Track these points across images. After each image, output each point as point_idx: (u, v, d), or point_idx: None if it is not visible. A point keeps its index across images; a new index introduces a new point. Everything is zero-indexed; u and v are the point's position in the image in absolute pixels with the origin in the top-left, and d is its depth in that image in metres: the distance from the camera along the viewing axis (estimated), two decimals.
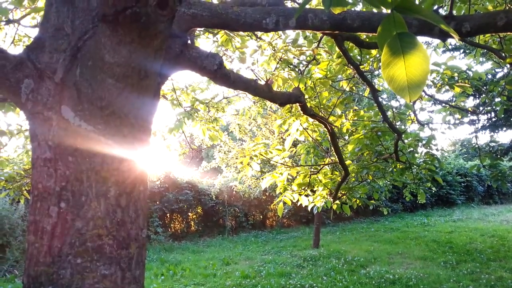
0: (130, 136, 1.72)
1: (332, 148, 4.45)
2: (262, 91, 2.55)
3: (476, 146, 6.62)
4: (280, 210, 5.43)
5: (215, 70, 1.94)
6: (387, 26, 1.26)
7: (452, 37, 1.76)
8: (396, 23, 1.24)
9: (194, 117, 5.46)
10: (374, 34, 1.88)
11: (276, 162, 4.89)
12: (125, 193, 1.70)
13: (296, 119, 4.66)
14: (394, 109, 5.32)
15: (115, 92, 1.71)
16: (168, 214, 14.49)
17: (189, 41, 2.46)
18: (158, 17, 1.36)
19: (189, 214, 15.05)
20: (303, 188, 5.40)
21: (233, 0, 2.64)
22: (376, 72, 6.86)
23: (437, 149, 6.52)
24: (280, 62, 4.02)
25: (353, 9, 3.44)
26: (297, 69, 4.68)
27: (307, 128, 5.10)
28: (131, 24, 1.39)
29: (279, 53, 4.08)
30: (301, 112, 3.50)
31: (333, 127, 4.06)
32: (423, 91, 4.62)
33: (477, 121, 14.69)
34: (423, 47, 1.18)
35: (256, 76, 3.76)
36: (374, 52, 4.42)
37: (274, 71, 4.17)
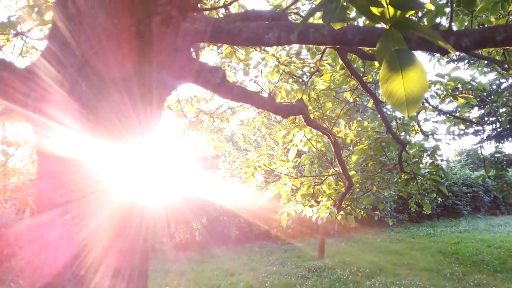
0: (135, 146, 1.75)
1: (336, 159, 4.46)
2: (265, 103, 2.58)
3: (481, 156, 6.60)
4: (284, 221, 5.42)
5: (218, 84, 1.97)
6: (385, 42, 1.29)
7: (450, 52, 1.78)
8: (395, 39, 1.27)
9: (198, 128, 5.50)
10: (374, 48, 1.90)
11: (280, 173, 4.90)
12: (128, 203, 1.73)
13: (300, 130, 4.68)
14: (398, 120, 5.32)
15: (120, 105, 1.74)
16: (172, 224, 14.48)
17: (193, 55, 2.50)
18: (162, 34, 1.39)
19: (194, 224, 15.04)
20: (307, 198, 5.40)
21: (237, 13, 2.69)
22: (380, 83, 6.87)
23: (441, 160, 6.50)
24: (283, 74, 4.06)
25: (355, 23, 3.48)
26: (301, 81, 4.72)
27: (311, 139, 5.12)
28: (135, 41, 1.42)
29: (282, 65, 4.12)
30: (305, 123, 3.52)
31: (336, 138, 4.07)
32: (427, 102, 4.62)
33: (482, 131, 14.63)
34: (421, 63, 1.20)
35: (261, 88, 3.79)
36: (377, 63, 4.45)
37: (277, 83, 4.20)
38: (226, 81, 2.02)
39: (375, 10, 1.36)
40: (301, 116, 3.49)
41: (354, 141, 5.90)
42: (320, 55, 3.96)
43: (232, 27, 1.77)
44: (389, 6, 1.27)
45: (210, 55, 4.59)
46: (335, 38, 1.74)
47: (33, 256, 1.65)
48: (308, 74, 4.42)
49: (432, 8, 2.95)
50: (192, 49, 2.93)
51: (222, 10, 3.83)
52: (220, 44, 3.99)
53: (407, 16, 1.31)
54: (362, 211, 6.20)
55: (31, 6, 3.30)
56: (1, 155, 4.40)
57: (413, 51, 1.28)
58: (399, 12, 1.33)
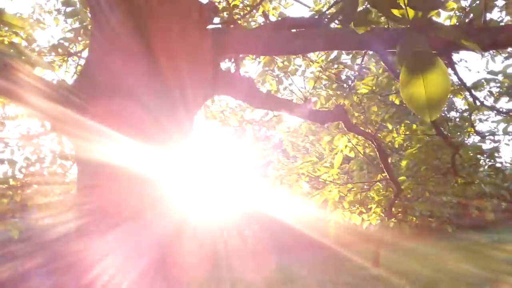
0: (167, 157, 1.80)
1: (382, 164, 4.32)
2: (299, 110, 2.57)
3: None
4: (331, 229, 5.33)
5: (246, 93, 1.99)
6: (405, 44, 1.24)
7: (485, 50, 1.68)
8: (415, 41, 1.22)
9: (242, 137, 5.56)
10: None
11: (324, 180, 4.82)
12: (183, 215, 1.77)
13: (343, 135, 4.59)
14: (449, 122, 5.06)
15: (154, 122, 1.81)
16: (225, 232, 14.65)
17: (232, 68, 2.54)
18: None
19: (245, 232, 15.13)
20: (355, 206, 5.27)
21: (272, 22, 2.70)
22: None
23: (501, 162, 6.09)
24: (322, 79, 4.01)
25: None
26: (345, 85, 4.64)
27: (358, 144, 4.99)
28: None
29: (318, 72, 4.07)
30: (346, 129, 3.45)
31: (381, 142, 3.95)
32: (480, 101, 4.34)
33: None
34: (443, 65, 1.15)
35: (298, 95, 3.78)
36: None
37: (316, 89, 4.16)
38: (254, 90, 2.03)
39: (396, 12, 1.32)
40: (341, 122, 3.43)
41: (403, 145, 5.68)
42: (361, 58, 3.87)
43: (263, 38, 1.78)
44: (408, 8, 1.23)
45: (251, 64, 4.62)
46: (363, 43, 1.70)
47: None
48: (352, 78, 4.32)
49: (455, 6, 2.79)
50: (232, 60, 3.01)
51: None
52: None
53: (429, 16, 1.26)
54: (414, 218, 5.94)
55: (80, 28, 3.53)
56: (60, 168, 4.70)
57: (435, 52, 1.22)
58: (420, 13, 1.28)
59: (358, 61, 3.91)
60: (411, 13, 1.25)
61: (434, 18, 2.85)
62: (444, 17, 3.96)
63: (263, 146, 7.74)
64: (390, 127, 4.81)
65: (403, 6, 1.23)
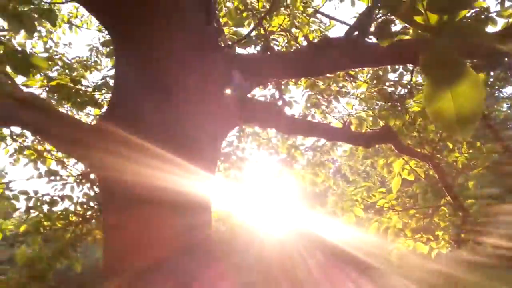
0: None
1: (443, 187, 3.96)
2: (337, 134, 2.41)
3: None
4: (394, 259, 4.94)
5: (274, 122, 1.88)
6: (429, 52, 1.08)
7: None
8: (439, 49, 1.05)
9: (292, 165, 5.41)
10: None
11: (380, 206, 4.51)
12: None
13: (399, 158, 4.28)
14: None
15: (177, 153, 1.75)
16: (287, 262, 14.32)
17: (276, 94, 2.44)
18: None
19: (308, 261, 14.69)
20: (418, 233, 4.86)
21: (305, 46, 2.60)
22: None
23: None
24: (370, 99, 3.80)
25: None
26: (396, 103, 4.37)
27: (417, 166, 4.64)
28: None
29: (367, 92, 3.87)
30: (396, 151, 3.20)
31: (439, 163, 3.62)
32: None
33: None
34: (475, 75, 0.97)
35: (334, 118, 3.60)
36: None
37: (357, 111, 3.95)
38: (284, 117, 1.92)
39: (419, 18, 1.16)
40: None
41: (470, 165, 5.21)
42: (409, 74, 3.63)
43: (292, 59, 1.69)
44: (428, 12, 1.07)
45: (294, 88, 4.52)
46: (394, 56, 1.54)
47: None
48: (401, 95, 4.07)
49: (485, 5, 2.50)
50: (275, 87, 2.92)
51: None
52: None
53: (457, 20, 1.09)
54: (490, 245, 5.35)
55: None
56: None
57: (466, 60, 1.04)
58: (445, 17, 1.11)
59: (407, 77, 3.67)
60: (433, 18, 1.09)
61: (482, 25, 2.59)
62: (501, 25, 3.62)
63: (318, 172, 7.50)
64: (451, 146, 4.43)
65: (422, 11, 1.07)
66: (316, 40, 1.90)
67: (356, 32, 1.55)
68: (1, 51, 1.68)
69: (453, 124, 0.97)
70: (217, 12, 1.96)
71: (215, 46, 1.74)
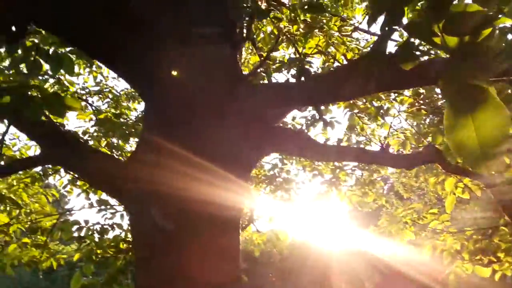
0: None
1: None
2: (378, 157, 2.30)
3: None
4: (452, 284, 4.62)
5: (302, 149, 1.84)
6: (449, 76, 1.00)
7: None
8: (458, 72, 0.98)
9: (337, 186, 5.28)
10: None
11: (433, 228, 4.25)
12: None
13: (450, 176, 4.03)
14: None
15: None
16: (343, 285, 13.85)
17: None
18: None
19: (365, 284, 14.11)
20: (477, 256, 4.51)
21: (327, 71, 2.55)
22: None
23: None
24: (415, 115, 3.62)
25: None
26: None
27: (473, 183, 4.34)
28: None
29: (414, 108, 3.70)
30: (443, 170, 3.02)
31: (494, 182, 3.36)
32: None
33: None
34: (498, 101, 0.88)
35: (371, 141, 3.46)
36: None
37: (390, 131, 3.77)
38: (313, 144, 1.87)
39: (438, 40, 1.09)
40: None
41: None
42: None
43: (301, 87, 1.65)
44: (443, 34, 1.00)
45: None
46: (415, 79, 1.46)
47: None
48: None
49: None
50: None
51: None
52: None
53: (478, 40, 1.00)
54: None
55: None
56: None
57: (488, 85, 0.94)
58: (467, 37, 1.03)
59: None
60: (452, 40, 1.01)
61: None
62: None
63: (368, 191, 7.24)
64: (507, 161, 4.11)
65: (439, 33, 1.00)
66: (340, 65, 1.86)
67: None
68: (39, 95, 1.77)
69: (476, 156, 0.88)
70: (243, 41, 1.97)
71: (237, 76, 1.75)
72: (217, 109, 1.58)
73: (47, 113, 1.90)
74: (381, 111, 3.59)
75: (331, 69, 3.58)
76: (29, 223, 3.93)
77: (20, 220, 3.90)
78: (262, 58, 4.19)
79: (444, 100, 3.42)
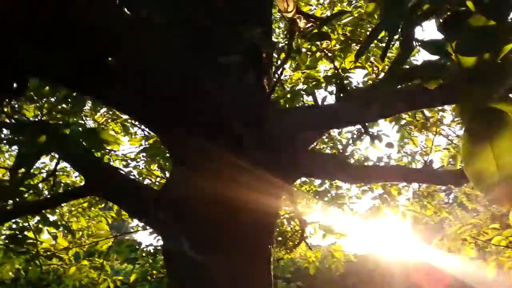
0: None
1: None
2: (420, 175, 2.18)
3: None
4: None
5: (335, 171, 1.78)
6: (465, 100, 0.93)
7: None
8: (475, 96, 0.91)
9: (389, 201, 5.07)
10: None
11: (497, 245, 3.94)
12: None
13: None
14: None
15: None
16: None
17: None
18: None
19: None
20: None
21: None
22: None
23: None
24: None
25: None
26: None
27: None
28: None
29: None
30: None
31: None
32: None
33: None
34: None
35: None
36: None
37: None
38: (348, 167, 1.80)
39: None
40: None
41: None
42: None
43: (326, 112, 1.61)
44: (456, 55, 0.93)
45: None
46: (448, 97, 1.36)
47: None
48: None
49: None
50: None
51: None
52: None
53: (498, 61, 0.92)
54: None
55: None
56: None
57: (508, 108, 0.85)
58: (487, 55, 0.95)
59: None
60: (468, 60, 0.94)
61: None
62: None
63: (427, 204, 6.87)
64: None
65: (452, 54, 0.94)
66: (370, 84, 1.79)
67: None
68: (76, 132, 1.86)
69: (496, 189, 0.80)
70: (270, 68, 1.97)
71: (263, 102, 1.74)
72: (240, 141, 1.58)
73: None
74: (428, 122, 3.41)
75: (362, 86, 3.48)
76: (87, 246, 4.13)
77: (78, 244, 4.12)
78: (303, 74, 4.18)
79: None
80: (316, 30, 1.90)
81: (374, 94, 1.61)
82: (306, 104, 3.77)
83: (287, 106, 3.38)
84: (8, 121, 2.29)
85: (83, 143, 1.72)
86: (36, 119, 2.50)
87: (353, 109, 1.57)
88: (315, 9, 5.99)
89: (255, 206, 1.66)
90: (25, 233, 2.63)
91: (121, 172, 2.04)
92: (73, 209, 4.35)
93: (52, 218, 3.95)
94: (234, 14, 1.81)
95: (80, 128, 1.87)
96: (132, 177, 4.51)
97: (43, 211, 2.78)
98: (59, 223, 3.04)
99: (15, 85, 1.32)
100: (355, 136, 4.53)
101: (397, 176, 2.01)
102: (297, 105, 3.10)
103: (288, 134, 1.67)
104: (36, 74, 1.79)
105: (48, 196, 3.06)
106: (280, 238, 6.45)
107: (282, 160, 1.68)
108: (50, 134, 1.55)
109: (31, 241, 2.78)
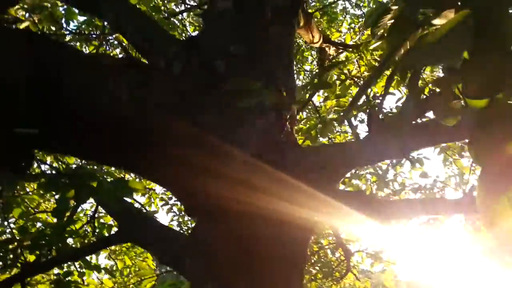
0: None
1: None
2: (456, 207, 2.06)
3: None
4: None
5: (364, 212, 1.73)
6: (476, 145, 0.88)
7: None
8: (488, 139, 0.85)
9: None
10: None
11: None
12: None
13: None
14: None
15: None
16: None
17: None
18: None
19: None
20: None
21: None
22: None
23: None
24: None
25: None
26: None
27: None
28: None
29: None
30: None
31: None
32: None
33: None
34: None
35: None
36: None
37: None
38: (376, 203, 1.74)
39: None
40: None
41: None
42: None
43: (347, 152, 1.57)
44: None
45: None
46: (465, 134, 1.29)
47: None
48: None
49: None
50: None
51: None
52: None
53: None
54: None
55: None
56: None
57: None
58: (501, 95, 0.90)
59: None
60: (477, 101, 0.89)
61: None
62: None
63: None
64: None
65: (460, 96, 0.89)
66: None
67: None
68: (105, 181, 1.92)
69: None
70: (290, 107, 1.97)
71: (284, 143, 1.73)
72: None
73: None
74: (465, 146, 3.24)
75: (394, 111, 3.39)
76: (131, 286, 4.20)
77: (123, 283, 4.20)
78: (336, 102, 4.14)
79: None
80: (316, 81, 1.88)
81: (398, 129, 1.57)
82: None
83: (319, 136, 3.35)
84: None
85: (114, 192, 1.79)
86: (64, 171, 2.59)
87: (375, 146, 1.53)
88: (345, 34, 5.98)
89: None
90: (69, 278, 2.72)
91: (152, 218, 2.07)
92: (117, 248, 4.47)
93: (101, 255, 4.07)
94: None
95: (109, 178, 1.94)
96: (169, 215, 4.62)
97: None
98: (101, 266, 3.13)
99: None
100: (394, 161, 4.40)
101: (436, 209, 1.90)
102: (322, 141, 3.04)
103: (310, 174, 1.64)
104: None
105: (86, 244, 3.18)
106: (325, 269, 6.26)
107: (303, 201, 1.65)
108: (79, 187, 1.62)
109: (77, 284, 2.86)
